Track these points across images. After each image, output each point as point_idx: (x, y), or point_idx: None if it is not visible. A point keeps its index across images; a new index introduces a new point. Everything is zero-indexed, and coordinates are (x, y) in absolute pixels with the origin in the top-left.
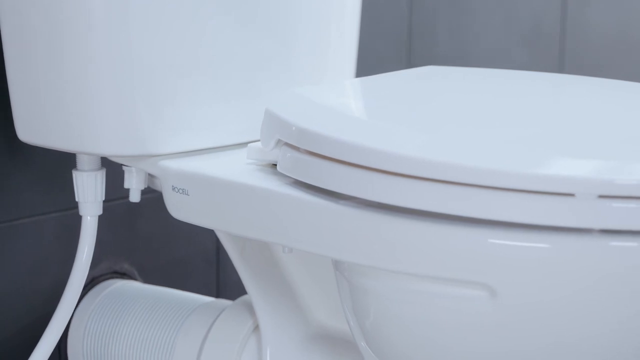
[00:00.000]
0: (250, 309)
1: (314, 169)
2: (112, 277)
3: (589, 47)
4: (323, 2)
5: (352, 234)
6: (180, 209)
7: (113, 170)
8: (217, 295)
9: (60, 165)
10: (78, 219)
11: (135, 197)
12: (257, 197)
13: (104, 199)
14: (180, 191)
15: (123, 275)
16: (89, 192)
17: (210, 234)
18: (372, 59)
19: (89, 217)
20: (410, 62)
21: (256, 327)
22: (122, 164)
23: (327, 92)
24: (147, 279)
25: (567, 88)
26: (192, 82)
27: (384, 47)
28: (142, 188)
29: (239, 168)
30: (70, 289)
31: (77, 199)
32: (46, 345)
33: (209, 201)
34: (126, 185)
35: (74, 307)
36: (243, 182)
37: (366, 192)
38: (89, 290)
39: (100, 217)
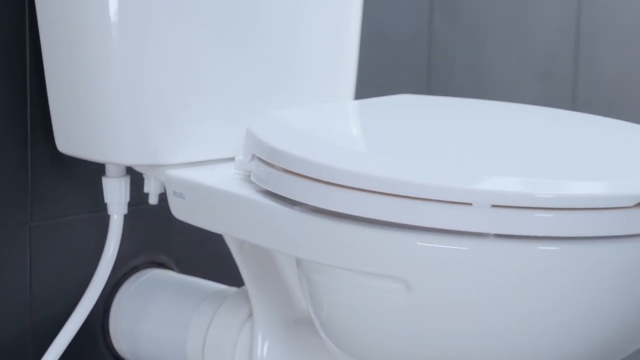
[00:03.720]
0: (247, 298)
1: (278, 180)
2: (151, 267)
3: (600, 84)
4: (325, 34)
5: (305, 235)
6: (178, 210)
7: None
8: (243, 284)
9: (96, 172)
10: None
11: (153, 200)
12: (233, 202)
13: (128, 200)
14: (179, 195)
15: (161, 265)
16: (114, 195)
17: None
18: (394, 91)
19: (115, 216)
20: (429, 93)
21: (251, 314)
22: (142, 173)
23: (300, 115)
24: (183, 270)
25: (522, 117)
26: (197, 106)
27: (405, 80)
28: (159, 192)
29: (225, 177)
30: (100, 272)
31: (105, 201)
32: (76, 319)
33: (198, 204)
34: (145, 190)
35: (102, 288)
36: (223, 189)
37: (318, 200)
38: (129, 276)
39: (141, 215)
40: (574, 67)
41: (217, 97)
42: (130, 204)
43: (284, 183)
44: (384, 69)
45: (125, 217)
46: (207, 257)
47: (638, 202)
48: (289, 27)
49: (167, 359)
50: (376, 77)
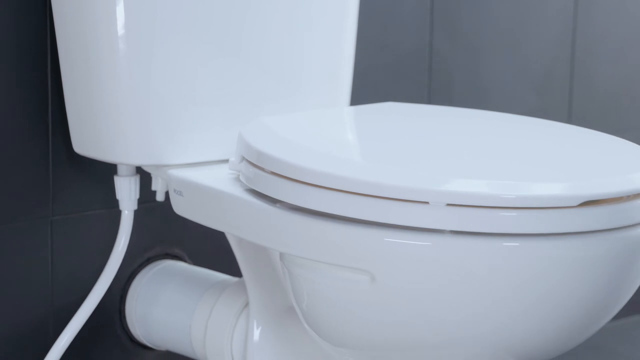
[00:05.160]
0: (245, 288)
1: (262, 180)
2: (165, 258)
3: (594, 96)
4: (322, 45)
5: (284, 230)
6: (178, 206)
7: None
8: None
9: (110, 171)
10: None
11: (160, 197)
12: (223, 199)
13: (138, 197)
14: (178, 193)
15: (175, 257)
16: (125, 192)
17: None
18: (395, 101)
19: (126, 211)
20: (430, 104)
21: (247, 303)
22: (149, 172)
23: (287, 121)
24: (196, 261)
25: (494, 125)
26: (197, 112)
27: (407, 91)
28: (165, 190)
29: (220, 177)
30: (112, 261)
31: (117, 197)
32: (90, 303)
33: (195, 200)
34: (153, 188)
35: (114, 275)
36: (214, 187)
37: (295, 199)
38: (144, 266)
39: (157, 211)
40: (570, 80)
41: (215, 104)
42: (147, 201)
43: (267, 183)
44: (387, 80)
45: (143, 212)
46: (217, 249)
47: (581, 202)
48: (286, 38)
49: (175, 342)
50: (380, 88)
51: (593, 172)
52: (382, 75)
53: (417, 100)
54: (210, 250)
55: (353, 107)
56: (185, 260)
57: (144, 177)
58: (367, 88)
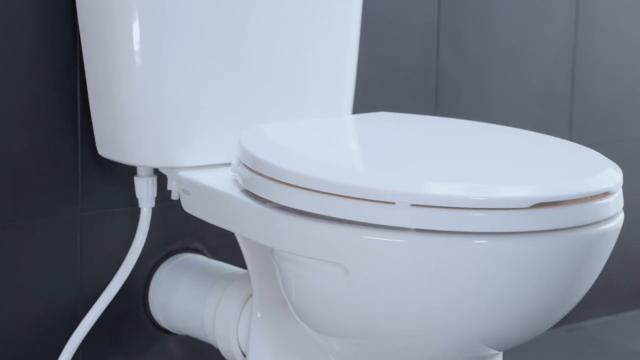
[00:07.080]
0: (249, 280)
1: (256, 182)
2: (185, 252)
3: (594, 109)
4: (325, 58)
5: (272, 227)
6: (186, 204)
7: None
8: None
9: (132, 172)
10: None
11: (174, 196)
12: (222, 198)
13: (156, 196)
14: (186, 192)
15: (195, 250)
16: (143, 191)
17: None
18: (406, 112)
19: (144, 209)
20: (436, 115)
21: (251, 295)
22: (164, 173)
23: (283, 129)
24: (214, 254)
25: (473, 133)
26: (205, 120)
27: (415, 104)
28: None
29: (222, 178)
30: (131, 253)
31: (136, 196)
32: (112, 289)
33: (200, 199)
34: (168, 188)
35: (134, 264)
36: (215, 187)
37: (282, 199)
38: (166, 259)
39: (178, 208)
40: (571, 93)
41: (222, 112)
42: (169, 199)
43: (259, 184)
44: (396, 94)
45: (165, 209)
46: (233, 243)
47: (533, 204)
48: (290, 51)
49: (189, 327)
50: (389, 101)
51: (552, 177)
52: (391, 90)
53: (424, 112)
54: (227, 244)
55: (346, 116)
56: (204, 254)
57: (165, 178)
58: (376, 100)
